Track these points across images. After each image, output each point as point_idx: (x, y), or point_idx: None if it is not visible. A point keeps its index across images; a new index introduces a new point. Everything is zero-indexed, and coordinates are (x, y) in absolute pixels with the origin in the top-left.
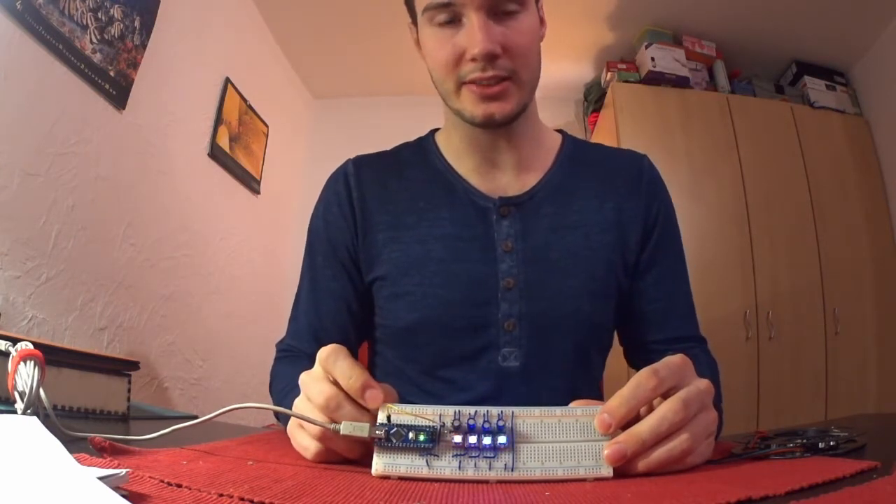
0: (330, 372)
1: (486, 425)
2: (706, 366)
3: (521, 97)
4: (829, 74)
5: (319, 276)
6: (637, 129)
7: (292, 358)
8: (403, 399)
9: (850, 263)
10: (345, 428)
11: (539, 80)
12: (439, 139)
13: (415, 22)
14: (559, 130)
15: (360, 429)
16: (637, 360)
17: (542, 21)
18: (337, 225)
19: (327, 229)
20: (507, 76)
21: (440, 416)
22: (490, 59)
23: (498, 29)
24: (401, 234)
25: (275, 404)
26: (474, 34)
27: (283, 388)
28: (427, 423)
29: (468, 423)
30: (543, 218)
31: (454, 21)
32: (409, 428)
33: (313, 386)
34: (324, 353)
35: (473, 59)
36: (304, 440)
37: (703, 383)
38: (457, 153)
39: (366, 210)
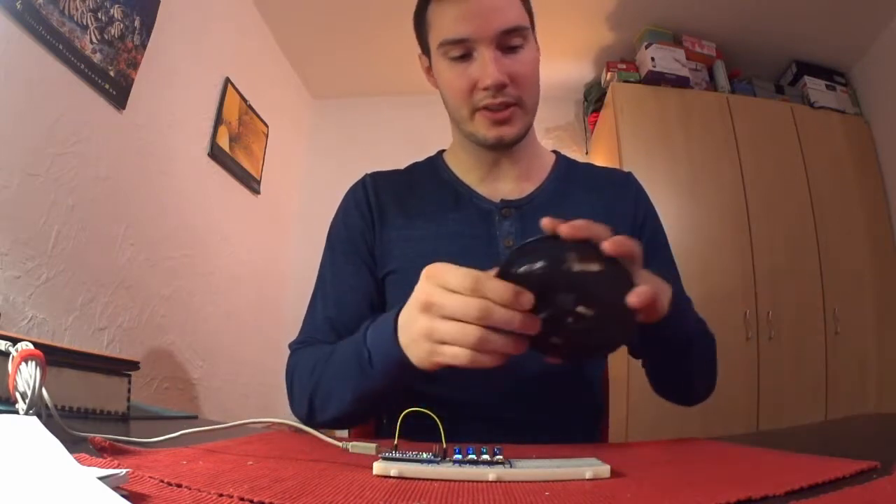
0: (479, 291)
1: (485, 453)
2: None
3: (526, 120)
4: (829, 74)
5: (340, 272)
6: (637, 129)
7: (311, 345)
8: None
9: (850, 263)
10: (353, 448)
11: (539, 103)
12: (447, 157)
13: (425, 53)
14: (554, 151)
15: (367, 448)
16: (635, 347)
17: (537, 49)
18: (356, 225)
19: (347, 230)
20: (514, 102)
21: (443, 451)
22: (500, 88)
23: (506, 61)
24: (411, 233)
25: (315, 379)
26: (486, 67)
27: (337, 347)
28: (429, 455)
29: (467, 450)
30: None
31: (467, 55)
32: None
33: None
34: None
35: (486, 88)
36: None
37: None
38: (463, 168)
39: (381, 211)
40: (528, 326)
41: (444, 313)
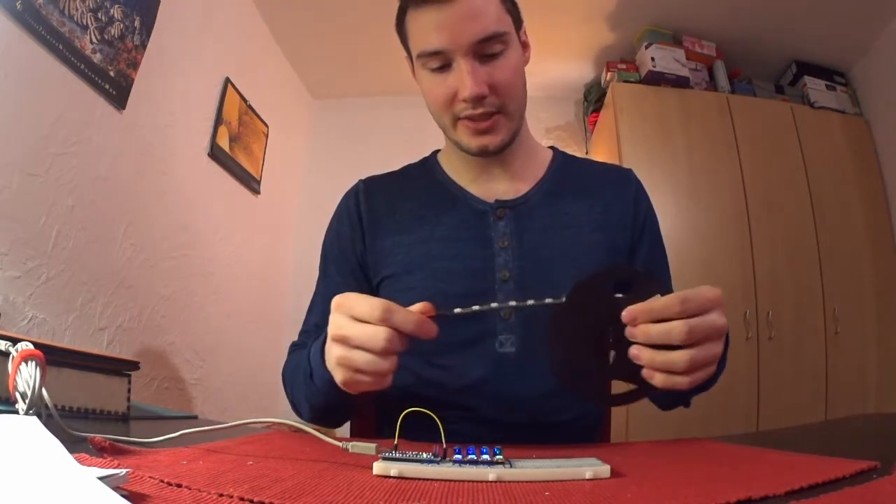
0: (389, 320)
1: (485, 453)
2: None
3: (511, 127)
4: (829, 74)
5: (331, 283)
6: (637, 129)
7: (302, 347)
8: (404, 389)
9: (850, 263)
10: (353, 448)
11: (526, 105)
12: (441, 158)
13: (410, 57)
14: (551, 147)
15: (367, 448)
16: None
17: (526, 46)
18: (347, 235)
19: (339, 240)
20: (497, 111)
21: (443, 451)
22: (478, 99)
23: (484, 70)
24: (406, 238)
25: (290, 383)
26: (463, 78)
27: (301, 356)
28: (429, 455)
29: (468, 450)
30: (536, 219)
31: (446, 66)
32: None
33: (359, 306)
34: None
35: (464, 100)
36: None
37: (720, 321)
38: (456, 169)
39: (373, 219)
40: (420, 335)
41: (354, 344)
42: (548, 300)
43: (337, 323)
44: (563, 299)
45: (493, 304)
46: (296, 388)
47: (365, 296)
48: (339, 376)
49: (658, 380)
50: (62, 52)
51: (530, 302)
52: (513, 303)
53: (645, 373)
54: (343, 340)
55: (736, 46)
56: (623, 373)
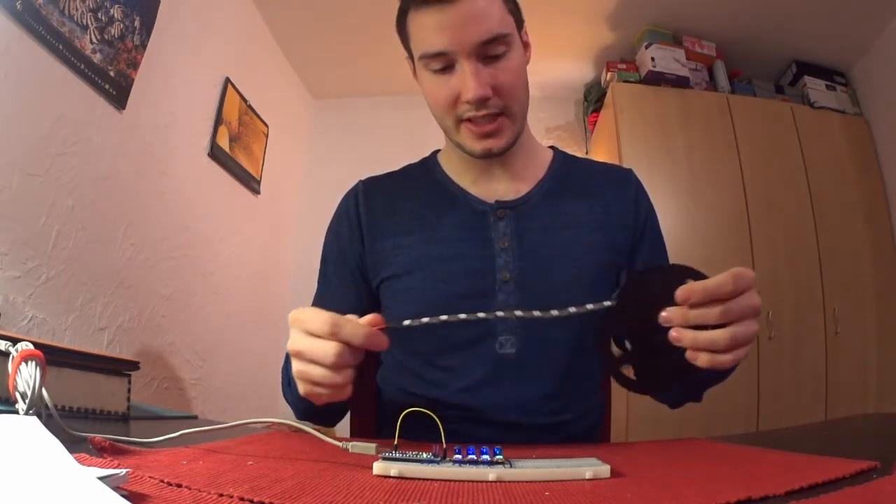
0: (337, 334)
1: (485, 453)
2: None
3: (515, 129)
4: (829, 74)
5: (329, 284)
6: (637, 129)
7: None
8: (404, 389)
9: (850, 263)
10: (353, 448)
11: (528, 105)
12: (441, 158)
13: (411, 58)
14: (551, 147)
15: (367, 448)
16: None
17: (527, 46)
18: (346, 237)
19: (338, 241)
20: (500, 112)
21: (443, 451)
22: (482, 101)
23: (487, 72)
24: (406, 239)
25: (282, 375)
26: (466, 80)
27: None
28: (429, 455)
29: (468, 450)
30: (537, 220)
31: (448, 67)
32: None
33: (311, 321)
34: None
35: (468, 102)
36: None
37: (756, 299)
38: (457, 170)
39: (373, 221)
40: (373, 346)
41: (307, 358)
42: (572, 309)
43: (292, 338)
44: (584, 308)
45: (480, 314)
46: (284, 390)
47: (317, 310)
48: (300, 389)
49: (703, 360)
50: (62, 52)
51: (521, 313)
52: (519, 312)
53: (689, 355)
54: (298, 355)
55: (736, 46)
56: (652, 364)
